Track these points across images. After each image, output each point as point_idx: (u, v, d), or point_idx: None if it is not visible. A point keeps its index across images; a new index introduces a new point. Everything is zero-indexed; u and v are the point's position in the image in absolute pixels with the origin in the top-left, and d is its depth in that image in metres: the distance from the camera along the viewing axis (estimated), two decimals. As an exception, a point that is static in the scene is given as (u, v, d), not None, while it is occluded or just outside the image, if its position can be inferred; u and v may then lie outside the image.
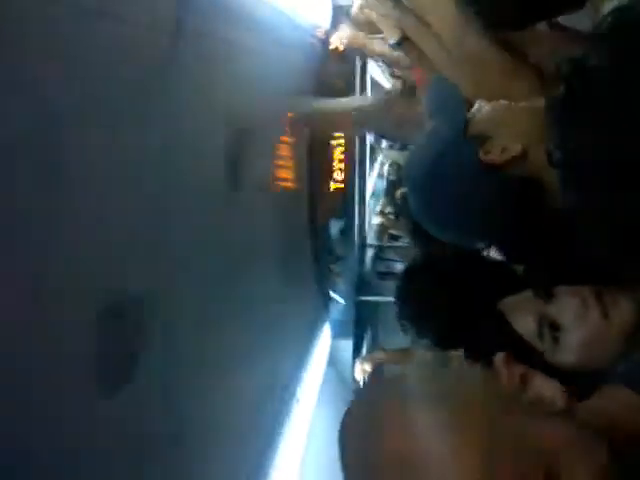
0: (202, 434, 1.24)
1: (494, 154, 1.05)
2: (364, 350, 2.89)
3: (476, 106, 1.12)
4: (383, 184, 4.58)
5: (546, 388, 0.65)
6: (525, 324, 1.09)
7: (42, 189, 0.76)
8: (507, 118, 1.09)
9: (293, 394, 2.04)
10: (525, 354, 1.05)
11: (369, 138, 3.79)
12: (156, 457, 1.04)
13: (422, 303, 1.31)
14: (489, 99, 1.10)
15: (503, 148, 1.05)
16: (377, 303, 3.22)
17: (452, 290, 1.24)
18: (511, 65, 1.17)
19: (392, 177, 4.30)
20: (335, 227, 3.06)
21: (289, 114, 2.02)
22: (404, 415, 0.59)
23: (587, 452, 0.57)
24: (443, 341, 1.23)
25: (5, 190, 0.70)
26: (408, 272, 1.42)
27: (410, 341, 1.50)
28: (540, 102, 0.84)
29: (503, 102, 1.10)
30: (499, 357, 0.69)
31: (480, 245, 1.32)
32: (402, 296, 1.37)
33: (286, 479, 1.78)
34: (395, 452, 0.57)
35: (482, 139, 1.08)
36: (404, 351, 1.84)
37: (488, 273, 1.28)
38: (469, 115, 1.12)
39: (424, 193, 1.17)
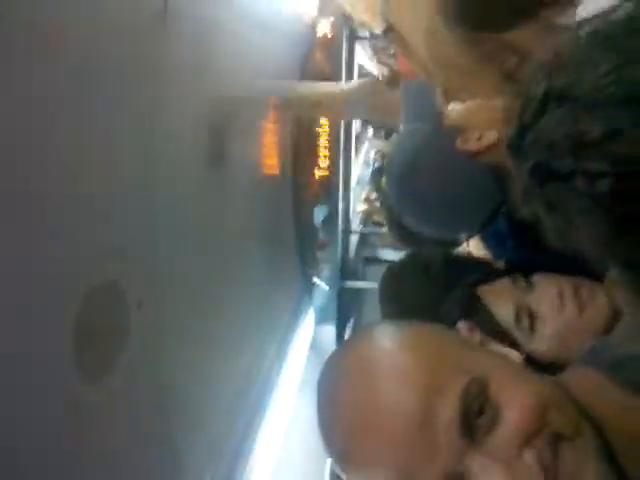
0: (184, 421, 1.24)
1: (471, 142, 1.11)
2: (347, 336, 2.91)
3: (449, 107, 1.17)
4: (369, 171, 4.59)
5: (501, 350, 0.70)
6: (504, 311, 1.11)
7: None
8: (480, 116, 1.13)
9: (275, 379, 2.05)
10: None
11: (355, 125, 3.78)
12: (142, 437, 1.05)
13: (406, 303, 1.32)
14: (463, 98, 1.15)
15: (480, 136, 1.10)
16: (361, 289, 3.25)
17: (436, 289, 1.26)
18: (485, 67, 1.20)
19: (377, 164, 4.31)
20: (320, 214, 3.06)
21: (272, 99, 2.02)
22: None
23: (525, 382, 0.60)
24: None
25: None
26: (391, 272, 1.45)
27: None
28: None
29: (476, 102, 1.15)
30: (463, 324, 0.74)
31: (461, 235, 1.35)
32: (385, 296, 1.40)
33: (267, 463, 1.80)
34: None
35: (458, 132, 1.13)
36: None
37: (470, 269, 1.31)
38: (444, 116, 1.18)
39: (407, 187, 1.20)
